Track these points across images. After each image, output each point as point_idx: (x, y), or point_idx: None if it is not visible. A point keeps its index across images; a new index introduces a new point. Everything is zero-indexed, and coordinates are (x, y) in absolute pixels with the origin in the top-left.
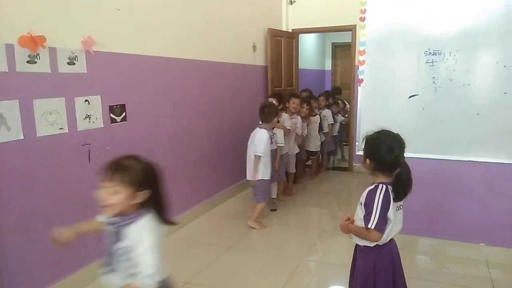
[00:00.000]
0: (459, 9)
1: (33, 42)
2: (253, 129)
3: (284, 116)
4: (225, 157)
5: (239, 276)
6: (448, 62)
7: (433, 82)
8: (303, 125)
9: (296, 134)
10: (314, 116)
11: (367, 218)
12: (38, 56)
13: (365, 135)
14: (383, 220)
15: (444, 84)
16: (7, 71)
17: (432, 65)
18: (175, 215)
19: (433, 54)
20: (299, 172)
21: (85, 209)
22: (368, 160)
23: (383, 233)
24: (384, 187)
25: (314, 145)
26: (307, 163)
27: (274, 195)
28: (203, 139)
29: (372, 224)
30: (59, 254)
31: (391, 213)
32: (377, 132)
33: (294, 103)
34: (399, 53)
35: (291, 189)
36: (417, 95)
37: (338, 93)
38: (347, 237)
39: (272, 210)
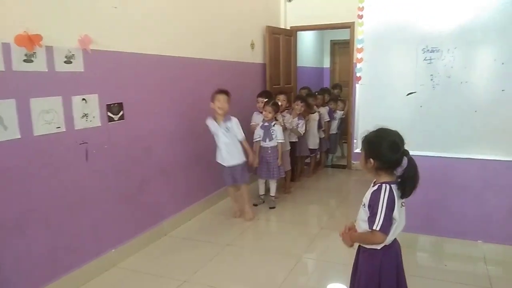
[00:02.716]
0: (457, 6)
1: (30, 40)
2: (249, 125)
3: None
4: None
5: (237, 274)
6: (446, 59)
7: (431, 80)
8: (299, 122)
9: (286, 127)
10: (313, 113)
11: (371, 219)
12: (34, 55)
13: (364, 135)
14: (389, 221)
15: (442, 81)
16: (4, 70)
17: (430, 63)
18: (172, 214)
19: (431, 52)
20: (298, 169)
21: (82, 208)
22: (371, 160)
23: (388, 234)
24: (388, 187)
25: (312, 142)
26: (305, 161)
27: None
28: (200, 137)
29: (377, 226)
30: (56, 254)
31: (396, 213)
32: (377, 130)
33: (279, 99)
34: (397, 51)
35: (289, 186)
36: (415, 92)
37: (338, 90)
38: None
39: (270, 208)
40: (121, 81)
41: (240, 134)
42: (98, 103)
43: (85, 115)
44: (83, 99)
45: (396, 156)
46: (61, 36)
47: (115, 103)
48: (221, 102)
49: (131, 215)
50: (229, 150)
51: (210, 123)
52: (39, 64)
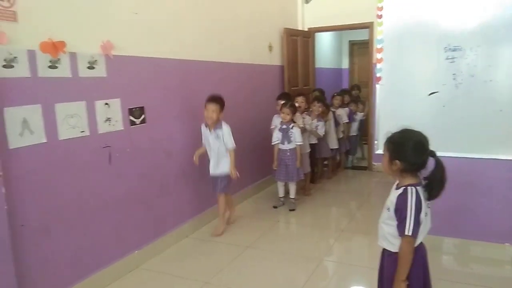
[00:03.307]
0: (479, 3)
1: (54, 47)
2: (268, 129)
3: (296, 114)
4: (241, 157)
5: (257, 276)
6: (469, 58)
7: (454, 79)
8: (319, 124)
9: (306, 129)
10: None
11: (401, 225)
12: (59, 61)
13: (387, 136)
14: (418, 225)
15: (465, 80)
16: (30, 76)
17: (453, 61)
18: (193, 216)
19: (453, 50)
20: (318, 171)
21: (105, 210)
22: (397, 162)
23: (416, 238)
24: (414, 189)
25: (332, 143)
26: (324, 163)
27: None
28: None
29: (408, 231)
30: (80, 255)
31: (422, 215)
32: (401, 131)
33: (297, 101)
34: (418, 50)
35: (309, 188)
36: (437, 92)
37: (357, 91)
38: (366, 238)
39: (290, 210)
40: (142, 85)
41: (230, 143)
42: (120, 107)
43: (108, 119)
44: (106, 103)
45: (423, 157)
46: (84, 42)
47: (137, 107)
48: (208, 112)
49: (153, 217)
50: (217, 158)
51: (202, 129)
52: (63, 70)
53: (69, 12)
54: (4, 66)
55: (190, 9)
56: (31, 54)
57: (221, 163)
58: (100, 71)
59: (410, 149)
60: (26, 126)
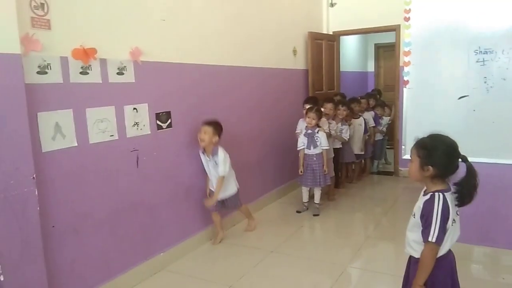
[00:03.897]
0: (511, 5)
1: (85, 54)
2: (293, 133)
3: (322, 120)
4: (266, 162)
5: (281, 281)
6: (500, 60)
7: (485, 82)
8: (343, 128)
9: (331, 135)
10: (357, 118)
11: (426, 231)
12: (90, 67)
13: (417, 141)
14: (443, 232)
15: (496, 84)
16: (62, 82)
17: (483, 64)
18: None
19: (484, 53)
20: (343, 176)
21: (133, 212)
22: (430, 168)
23: (440, 245)
24: (442, 195)
25: (357, 148)
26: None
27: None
28: (244, 144)
29: (433, 237)
30: (108, 256)
31: (449, 222)
32: (432, 136)
33: (325, 108)
34: (447, 53)
35: (333, 194)
36: (467, 96)
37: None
38: (392, 244)
39: (314, 215)
40: (169, 91)
41: (222, 171)
42: (148, 112)
43: (136, 123)
44: (134, 108)
45: (456, 162)
46: (113, 49)
47: (164, 112)
48: (201, 133)
49: (178, 220)
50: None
51: (201, 155)
52: (94, 76)
53: (100, 20)
54: (38, 73)
55: (216, 15)
56: (64, 61)
57: (226, 187)
58: (129, 76)
59: (443, 154)
60: (58, 130)
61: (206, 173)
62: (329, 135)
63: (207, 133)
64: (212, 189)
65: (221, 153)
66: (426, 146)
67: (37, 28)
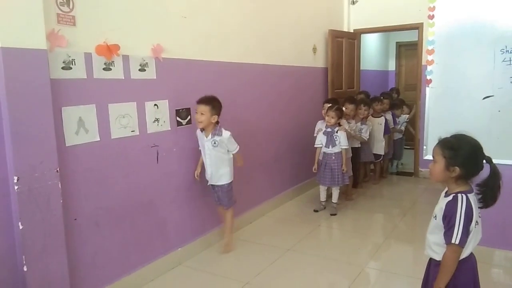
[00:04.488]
0: None
1: (109, 50)
2: (311, 131)
3: (342, 120)
4: (284, 160)
5: (298, 280)
6: None
7: (511, 82)
8: (363, 127)
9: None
10: (379, 117)
11: (448, 233)
12: (113, 64)
13: (441, 141)
14: (466, 234)
15: None
16: (86, 77)
17: (510, 64)
18: (236, 216)
19: (510, 52)
20: (361, 176)
21: (152, 207)
22: (457, 168)
23: (463, 248)
24: (465, 196)
25: (378, 147)
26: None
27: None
28: (262, 142)
29: (456, 239)
30: (127, 250)
31: (473, 225)
32: (457, 136)
33: (347, 108)
34: (472, 52)
35: (351, 193)
36: (492, 96)
37: (395, 95)
38: (411, 246)
39: (331, 214)
40: (189, 87)
41: (234, 148)
42: (168, 108)
43: (157, 119)
44: (155, 104)
45: (481, 163)
46: (136, 45)
47: (183, 109)
48: (197, 114)
49: (196, 216)
50: (215, 167)
51: (198, 134)
52: (117, 72)
53: (123, 17)
54: (63, 68)
55: (236, 13)
56: (88, 57)
57: (221, 172)
58: (151, 73)
59: (469, 154)
60: (81, 125)
61: (201, 156)
62: (349, 135)
63: (204, 113)
64: (208, 179)
65: (226, 134)
66: (452, 146)
67: (63, 25)
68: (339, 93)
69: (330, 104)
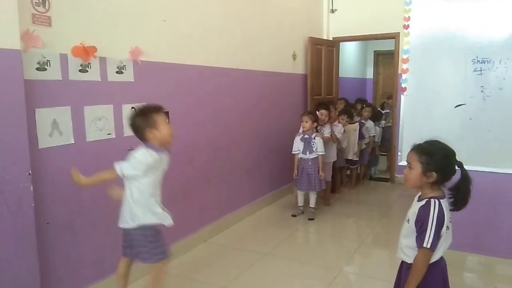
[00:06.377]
0: (509, 15)
1: (85, 52)
2: (290, 137)
3: (327, 125)
4: (263, 164)
5: (275, 283)
6: (497, 70)
7: (482, 91)
8: (343, 135)
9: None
10: (353, 123)
11: (421, 237)
12: (89, 65)
13: (416, 148)
14: (437, 239)
15: (493, 93)
16: (61, 79)
17: (481, 74)
18: (214, 221)
19: (481, 62)
20: (337, 181)
21: None
22: (434, 174)
23: (434, 251)
24: (437, 201)
25: (352, 153)
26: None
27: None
28: (242, 146)
29: (427, 243)
30: (102, 254)
31: (444, 229)
32: (433, 142)
33: (321, 114)
34: (445, 61)
35: (329, 198)
36: (464, 104)
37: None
38: (387, 250)
39: (309, 219)
40: (167, 91)
41: (119, 168)
42: None
43: None
44: (133, 107)
45: (454, 168)
46: (113, 47)
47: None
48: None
49: (176, 220)
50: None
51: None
52: (93, 74)
53: (101, 19)
54: (37, 69)
55: (216, 17)
56: (63, 58)
57: (133, 211)
58: (128, 76)
59: (444, 160)
60: (55, 127)
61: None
62: (336, 140)
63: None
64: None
65: (139, 151)
66: (428, 152)
67: (38, 25)
68: (318, 99)
69: (324, 108)
